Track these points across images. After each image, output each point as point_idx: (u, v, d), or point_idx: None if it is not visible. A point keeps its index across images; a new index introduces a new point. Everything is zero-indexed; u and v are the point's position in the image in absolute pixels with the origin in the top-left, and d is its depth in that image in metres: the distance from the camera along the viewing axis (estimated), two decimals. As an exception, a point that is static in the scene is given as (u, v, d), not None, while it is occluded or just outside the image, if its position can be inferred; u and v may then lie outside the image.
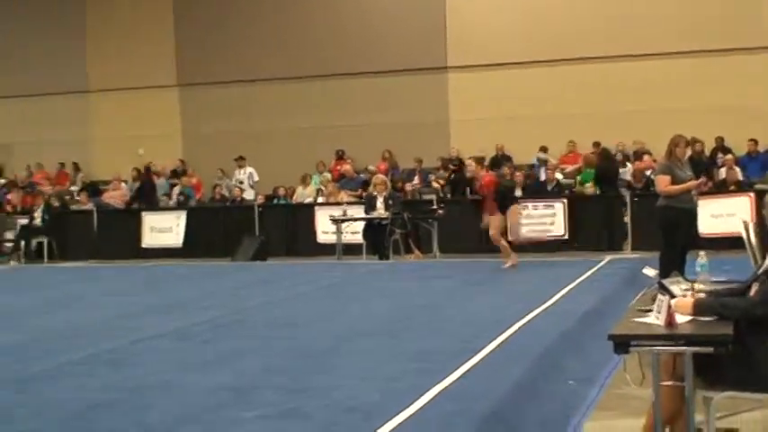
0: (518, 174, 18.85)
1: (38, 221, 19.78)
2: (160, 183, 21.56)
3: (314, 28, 22.22)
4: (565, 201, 17.47)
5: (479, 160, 14.48)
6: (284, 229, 19.05)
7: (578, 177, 18.98)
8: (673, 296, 4.59)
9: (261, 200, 20.41)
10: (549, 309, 9.56)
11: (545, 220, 17.38)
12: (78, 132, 23.54)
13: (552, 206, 17.43)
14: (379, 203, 16.90)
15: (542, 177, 19.12)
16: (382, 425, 5.24)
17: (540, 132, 20.12)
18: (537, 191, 18.42)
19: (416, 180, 20.29)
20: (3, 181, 22.99)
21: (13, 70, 24.04)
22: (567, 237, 17.21)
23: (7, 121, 24.01)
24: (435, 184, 19.67)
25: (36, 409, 5.94)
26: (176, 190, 21.17)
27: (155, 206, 20.52)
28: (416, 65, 21.27)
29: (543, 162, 19.70)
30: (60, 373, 7.08)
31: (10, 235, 20.12)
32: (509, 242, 14.15)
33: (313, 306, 10.91)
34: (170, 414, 5.74)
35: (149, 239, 19.47)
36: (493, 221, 13.99)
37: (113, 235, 19.73)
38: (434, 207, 17.74)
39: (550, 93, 20.32)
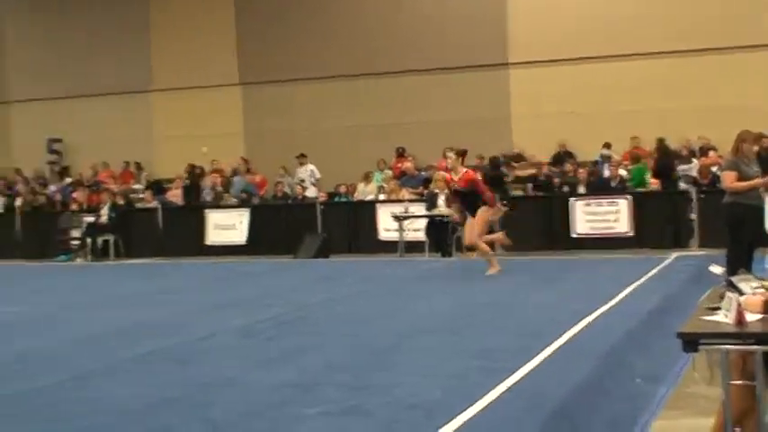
0: (581, 171, 18.68)
1: (104, 219, 20.02)
2: (237, 180, 21.61)
3: (375, 25, 22.20)
4: (629, 197, 17.25)
5: (460, 153, 13.58)
6: (346, 226, 19.07)
7: (628, 171, 18.69)
8: (742, 294, 4.50)
9: (322, 197, 20.46)
10: (614, 307, 9.45)
11: (609, 216, 17.19)
12: (142, 131, 23.81)
13: (616, 203, 17.23)
14: (441, 201, 16.86)
15: (606, 174, 18.91)
16: (446, 423, 5.20)
17: (603, 128, 19.88)
18: (600, 187, 18.22)
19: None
20: (69, 180, 23.31)
21: (78, 70, 24.39)
22: (632, 234, 17.00)
23: (73, 120, 24.36)
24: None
25: (101, 405, 6.00)
26: (239, 187, 21.29)
27: (218, 203, 20.66)
28: (477, 61, 21.15)
29: (606, 158, 19.49)
30: (126, 369, 7.15)
31: (76, 233, 20.38)
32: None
33: (375, 303, 10.90)
34: (234, 410, 5.77)
35: (213, 237, 19.62)
36: (474, 222, 13.04)
37: (177, 232, 19.92)
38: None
39: (614, 89, 20.06)
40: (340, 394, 6.08)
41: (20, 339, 8.79)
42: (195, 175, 21.73)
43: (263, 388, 6.35)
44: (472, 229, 13.04)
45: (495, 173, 18.43)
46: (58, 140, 24.68)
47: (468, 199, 13.20)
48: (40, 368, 7.27)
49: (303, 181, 20.85)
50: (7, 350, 8.12)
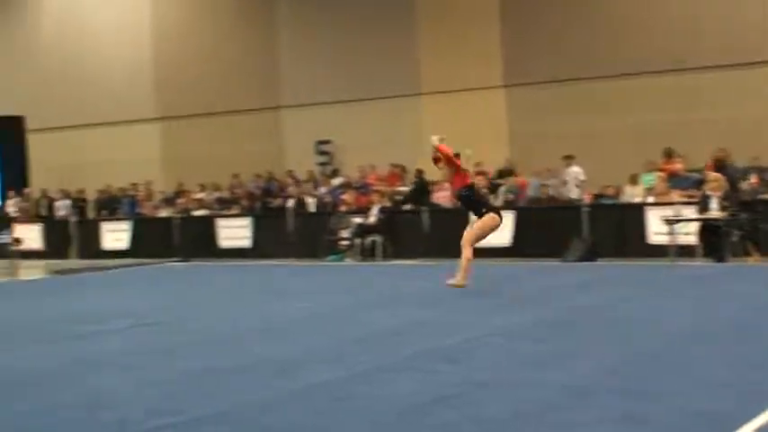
0: None
1: (372, 220, 20.53)
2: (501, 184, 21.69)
3: (642, 22, 21.67)
4: None
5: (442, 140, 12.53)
6: (613, 229, 18.62)
7: None
8: None
9: (588, 199, 20.11)
10: None
11: None
12: (409, 134, 24.23)
13: None
14: (714, 203, 16.18)
15: None
16: (735, 433, 4.96)
17: None
18: None
19: (753, 179, 19.21)
20: (339, 181, 24.01)
21: (347, 76, 25.18)
22: None
23: (341, 124, 25.16)
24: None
25: (381, 401, 6.13)
26: (502, 190, 21.27)
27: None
28: (747, 59, 20.21)
29: None
30: (403, 367, 7.27)
31: (346, 233, 21.01)
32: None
33: (646, 307, 10.58)
34: (505, 411, 5.74)
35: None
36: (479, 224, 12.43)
37: (443, 234, 20.08)
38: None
39: None
40: (613, 400, 5.93)
41: (304, 336, 9.10)
42: (423, 176, 21.92)
43: (533, 390, 6.30)
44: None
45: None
46: (328, 142, 25.56)
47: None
48: (322, 364, 7.49)
49: (567, 183, 20.58)
50: (293, 348, 8.40)
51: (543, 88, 22.64)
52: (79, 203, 27.19)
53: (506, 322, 9.37)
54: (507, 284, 13.96)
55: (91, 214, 27.18)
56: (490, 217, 12.47)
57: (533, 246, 18.76)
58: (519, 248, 18.85)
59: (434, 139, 12.71)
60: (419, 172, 22.22)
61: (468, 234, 12.45)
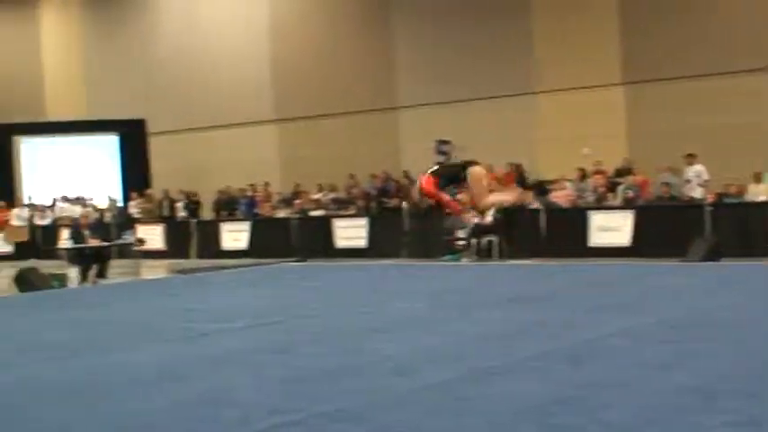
0: None
1: (489, 220, 20.43)
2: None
3: (763, 16, 21.13)
4: None
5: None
6: (737, 228, 18.16)
7: None
8: None
9: (710, 198, 19.63)
10: None
11: None
12: (525, 133, 24.10)
13: None
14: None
15: None
16: None
17: None
18: None
19: None
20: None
21: (463, 75, 25.14)
22: None
23: (457, 124, 25.11)
24: None
25: (494, 402, 6.06)
26: (620, 189, 20.95)
27: (602, 205, 20.45)
28: None
29: None
30: (522, 368, 7.19)
31: (462, 233, 20.95)
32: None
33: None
34: (630, 414, 5.61)
35: (596, 238, 19.41)
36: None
37: (559, 234, 19.91)
38: None
39: None
40: (740, 404, 5.74)
41: (421, 336, 9.09)
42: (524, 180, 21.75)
43: (658, 393, 6.14)
44: None
45: None
46: (447, 142, 25.52)
47: None
48: (440, 363, 7.46)
49: (689, 182, 20.15)
50: (410, 347, 8.40)
51: (664, 85, 22.25)
52: (191, 205, 27.72)
53: (628, 323, 9.18)
54: (628, 285, 13.71)
55: (207, 215, 27.69)
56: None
57: (654, 245, 18.41)
58: (639, 248, 18.55)
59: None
60: (518, 167, 22.10)
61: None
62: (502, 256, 20.05)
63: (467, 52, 25.20)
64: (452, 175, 11.80)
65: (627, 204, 20.12)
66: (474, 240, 20.56)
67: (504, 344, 8.36)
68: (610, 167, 22.00)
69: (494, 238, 20.29)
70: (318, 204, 24.95)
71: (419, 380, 6.83)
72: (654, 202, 20.52)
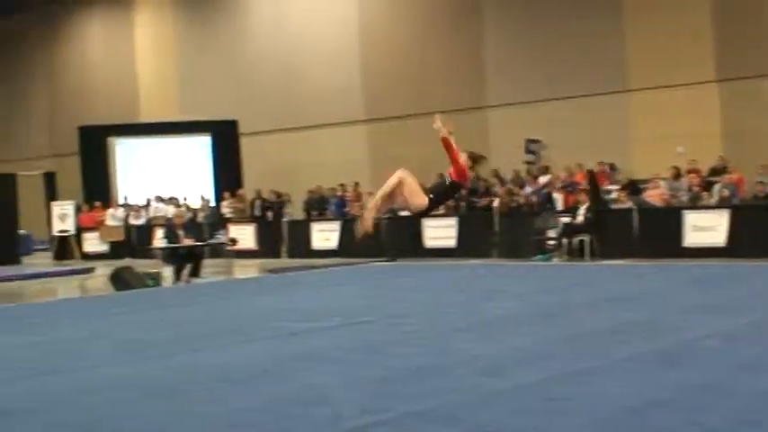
0: None
1: (580, 220, 20.21)
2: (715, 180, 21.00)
3: None
4: None
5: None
6: (837, 228, 17.69)
7: None
8: None
9: (809, 197, 19.16)
10: None
11: None
12: (617, 132, 23.80)
13: None
14: None
15: None
16: None
17: None
18: None
19: None
20: (545, 180, 23.65)
21: (553, 74, 24.94)
22: None
23: (546, 123, 24.96)
24: None
25: (587, 403, 5.99)
26: (716, 188, 20.54)
27: (696, 204, 20.06)
28: None
29: None
30: (618, 368, 7.09)
31: (552, 233, 20.79)
32: None
33: None
34: (729, 417, 5.50)
35: (691, 238, 19.05)
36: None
37: (653, 234, 19.59)
38: None
39: None
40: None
41: (512, 336, 9.04)
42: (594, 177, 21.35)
43: (756, 395, 6.01)
44: None
45: None
46: (537, 141, 25.35)
47: None
48: (531, 363, 7.41)
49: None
50: (501, 347, 8.36)
51: (758, 82, 21.78)
52: (276, 204, 27.94)
53: (723, 324, 9.00)
54: (723, 285, 13.47)
55: (297, 214, 27.85)
56: (422, 197, 10.87)
57: (750, 245, 18.02)
58: (734, 248, 18.16)
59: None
60: (590, 173, 21.78)
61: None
62: (593, 255, 19.80)
63: (557, 51, 24.98)
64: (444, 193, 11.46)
65: (722, 203, 19.71)
66: (565, 240, 20.35)
67: (597, 344, 8.26)
68: (704, 166, 21.58)
69: (585, 238, 20.05)
70: (407, 204, 24.96)
71: (511, 380, 6.79)
72: (749, 201, 20.07)
